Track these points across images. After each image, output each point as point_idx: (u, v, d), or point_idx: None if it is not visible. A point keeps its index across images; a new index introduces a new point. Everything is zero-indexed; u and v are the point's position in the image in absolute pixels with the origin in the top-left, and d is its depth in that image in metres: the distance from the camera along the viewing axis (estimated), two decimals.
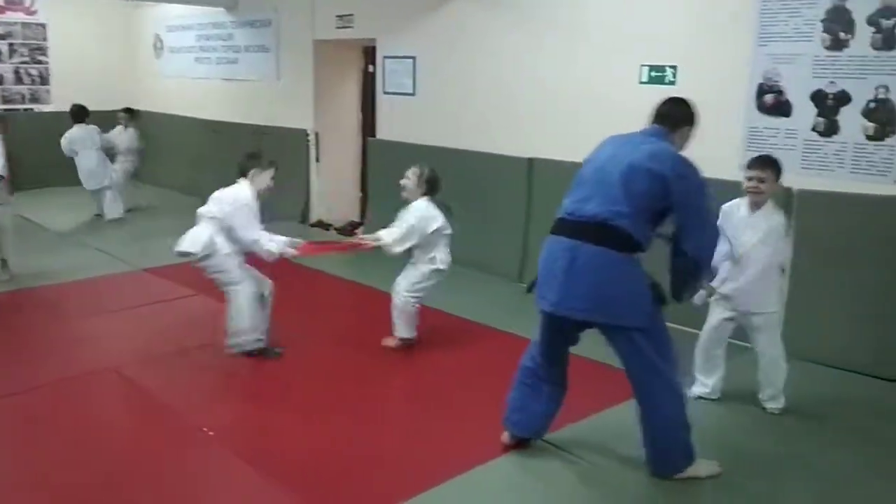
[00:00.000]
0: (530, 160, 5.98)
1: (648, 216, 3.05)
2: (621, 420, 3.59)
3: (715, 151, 4.96)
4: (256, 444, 3.57)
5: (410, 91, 7.26)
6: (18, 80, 10.43)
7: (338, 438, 3.61)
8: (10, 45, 10.29)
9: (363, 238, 4.69)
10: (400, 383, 4.45)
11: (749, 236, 3.76)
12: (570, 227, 3.10)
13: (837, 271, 4.58)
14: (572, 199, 3.16)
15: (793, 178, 4.73)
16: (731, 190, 4.81)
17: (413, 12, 7.10)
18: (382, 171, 7.66)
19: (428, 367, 4.53)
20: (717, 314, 3.95)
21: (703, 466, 3.25)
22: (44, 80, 10.62)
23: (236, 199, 4.40)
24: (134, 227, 8.39)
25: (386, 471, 3.33)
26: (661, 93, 5.19)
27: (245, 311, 4.46)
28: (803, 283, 4.71)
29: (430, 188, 4.66)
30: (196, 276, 6.23)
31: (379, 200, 7.75)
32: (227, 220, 4.36)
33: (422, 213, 4.55)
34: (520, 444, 3.46)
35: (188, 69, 10.40)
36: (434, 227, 4.56)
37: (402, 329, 4.69)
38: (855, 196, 4.49)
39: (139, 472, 3.29)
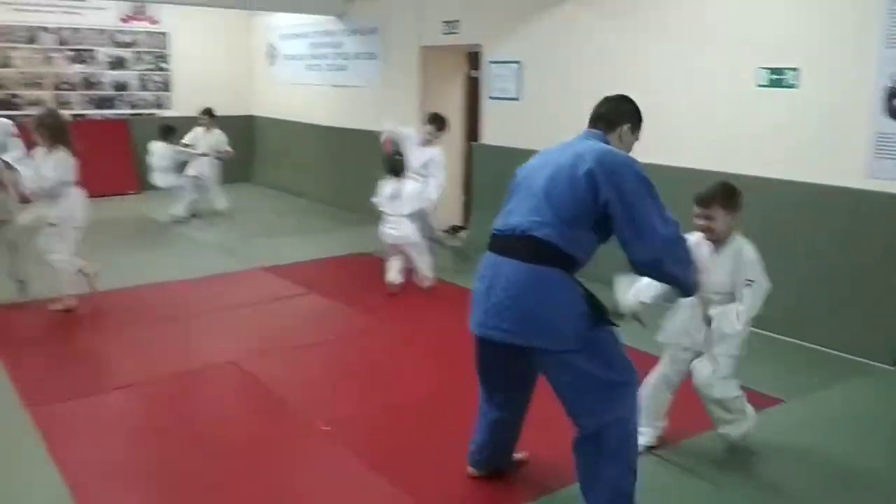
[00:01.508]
0: None
1: (582, 223, 2.67)
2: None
3: (840, 159, 4.80)
4: (371, 441, 3.66)
5: (515, 96, 7.28)
6: (143, 87, 11.08)
7: (454, 439, 3.59)
8: (136, 53, 10.95)
9: None
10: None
11: (713, 277, 3.25)
12: (496, 243, 2.82)
13: None
14: (501, 213, 2.88)
15: None
16: (857, 199, 4.65)
17: (519, 17, 7.12)
18: (486, 175, 7.73)
19: None
20: (669, 352, 3.51)
21: None
22: (166, 86, 11.24)
23: None
24: (248, 226, 8.77)
25: (500, 479, 3.29)
26: (782, 97, 5.09)
27: None
28: None
29: None
30: (308, 276, 6.52)
31: (482, 204, 7.82)
32: None
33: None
34: (490, 475, 3.26)
35: (300, 76, 10.77)
36: None
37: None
38: None
39: (255, 465, 3.41)
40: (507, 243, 2.75)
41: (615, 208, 2.60)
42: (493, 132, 7.66)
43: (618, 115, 2.95)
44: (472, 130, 8.29)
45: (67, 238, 5.45)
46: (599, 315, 2.73)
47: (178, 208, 8.83)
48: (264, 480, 3.29)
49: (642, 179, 2.65)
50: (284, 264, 6.89)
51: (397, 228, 6.13)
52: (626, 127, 2.95)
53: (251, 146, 11.91)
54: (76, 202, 5.47)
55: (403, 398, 4.18)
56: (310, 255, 7.30)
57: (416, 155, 6.50)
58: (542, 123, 6.96)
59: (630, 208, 2.60)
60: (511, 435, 3.22)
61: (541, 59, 6.98)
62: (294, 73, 10.91)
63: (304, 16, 10.08)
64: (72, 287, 5.51)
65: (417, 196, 6.19)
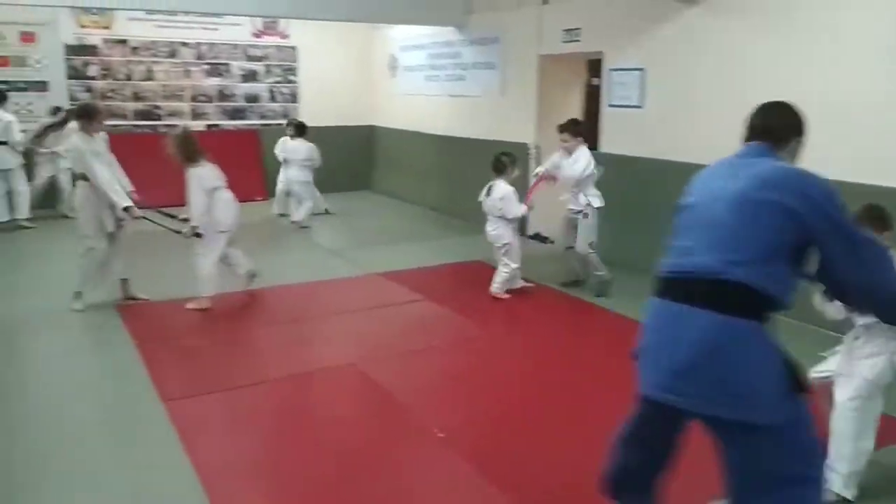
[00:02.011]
0: None
1: (780, 256, 2.29)
2: None
3: None
4: (483, 448, 3.67)
5: (637, 103, 7.13)
6: (272, 99, 11.61)
7: (564, 449, 3.60)
8: (267, 66, 11.49)
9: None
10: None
11: None
12: (674, 288, 2.41)
13: None
14: (674, 251, 2.49)
15: None
16: None
17: (643, 24, 6.97)
18: (603, 184, 7.59)
19: None
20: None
21: None
22: (294, 98, 11.73)
23: None
24: (366, 232, 9.02)
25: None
26: None
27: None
28: None
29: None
30: (423, 282, 6.61)
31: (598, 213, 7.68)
32: None
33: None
34: None
35: (419, 87, 10.95)
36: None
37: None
38: None
39: (374, 469, 3.49)
40: (691, 288, 2.34)
41: (821, 232, 2.28)
42: (613, 140, 7.51)
43: (788, 128, 2.60)
44: (591, 139, 8.17)
45: (212, 242, 5.77)
46: (796, 378, 2.33)
47: (299, 215, 9.22)
48: (382, 484, 3.36)
49: (839, 198, 2.34)
50: (400, 270, 7.03)
51: (493, 228, 6.27)
52: (796, 141, 2.61)
53: (372, 155, 12.25)
54: (221, 207, 5.79)
55: (515, 407, 4.18)
56: (425, 261, 7.43)
57: (572, 165, 6.36)
58: (666, 131, 6.78)
59: (838, 229, 2.29)
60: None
61: (665, 65, 6.80)
62: (414, 84, 11.11)
63: (425, 27, 10.27)
64: (208, 288, 5.82)
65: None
